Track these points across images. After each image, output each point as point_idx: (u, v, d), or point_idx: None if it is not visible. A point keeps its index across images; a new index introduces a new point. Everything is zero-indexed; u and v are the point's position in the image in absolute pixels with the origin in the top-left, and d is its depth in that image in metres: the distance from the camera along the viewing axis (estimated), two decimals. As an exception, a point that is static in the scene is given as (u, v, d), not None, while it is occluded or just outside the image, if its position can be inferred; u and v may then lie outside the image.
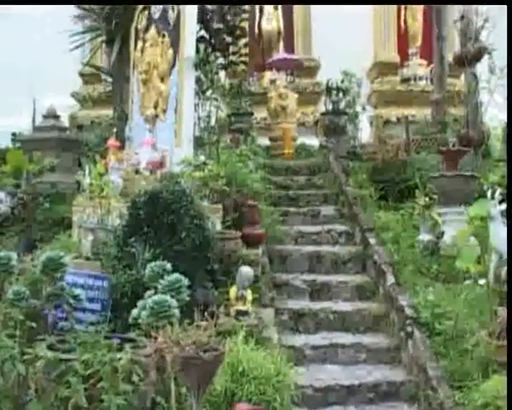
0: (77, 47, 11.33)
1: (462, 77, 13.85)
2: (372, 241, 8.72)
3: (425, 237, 8.33)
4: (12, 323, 4.90)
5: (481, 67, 12.66)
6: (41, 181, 10.65)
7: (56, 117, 12.81)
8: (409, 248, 8.49)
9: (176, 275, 4.92)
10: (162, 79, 8.40)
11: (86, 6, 11.28)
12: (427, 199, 8.63)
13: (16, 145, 14.26)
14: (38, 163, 11.11)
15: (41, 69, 16.83)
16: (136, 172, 7.99)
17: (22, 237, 9.24)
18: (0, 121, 15.92)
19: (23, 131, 14.84)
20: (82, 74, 17.08)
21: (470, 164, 10.06)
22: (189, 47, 8.11)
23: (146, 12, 8.97)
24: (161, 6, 8.58)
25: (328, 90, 14.60)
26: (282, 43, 17.86)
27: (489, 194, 6.49)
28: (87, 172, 7.89)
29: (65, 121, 13.87)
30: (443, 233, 8.21)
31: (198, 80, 9.36)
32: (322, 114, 14.94)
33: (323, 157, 12.82)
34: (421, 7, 17.83)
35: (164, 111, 8.33)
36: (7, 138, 15.59)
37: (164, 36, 8.45)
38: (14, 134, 15.63)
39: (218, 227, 7.23)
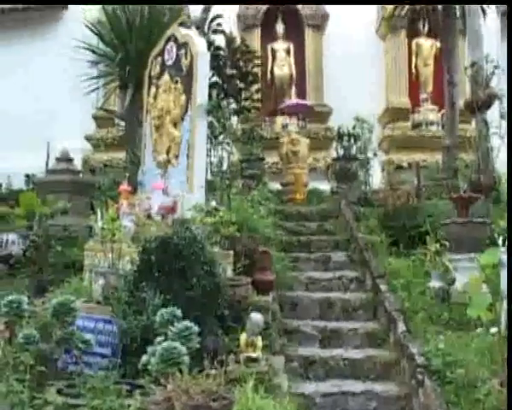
0: (91, 91, 11.45)
1: (473, 122, 13.88)
2: (383, 287, 8.69)
3: (436, 283, 8.27)
4: (22, 367, 4.91)
5: (492, 113, 12.73)
6: (53, 224, 10.67)
7: (70, 160, 12.92)
8: (420, 294, 8.44)
9: (186, 322, 4.93)
10: (175, 125, 8.46)
11: (101, 51, 11.42)
12: (438, 246, 8.60)
13: (29, 187, 14.37)
14: (51, 206, 11.15)
15: (55, 111, 16.95)
16: (148, 217, 8.01)
17: (34, 280, 9.25)
18: (14, 162, 16.01)
19: (36, 173, 14.94)
20: (96, 118, 17.24)
21: (481, 210, 10.02)
22: (201, 94, 8.19)
23: (159, 58, 9.08)
24: (175, 53, 8.69)
25: (340, 136, 14.69)
26: (294, 89, 18.01)
27: (500, 241, 6.49)
28: (99, 216, 7.91)
29: (78, 164, 13.97)
30: (454, 280, 8.17)
31: (210, 125, 9.44)
32: (334, 159, 15.00)
33: (335, 203, 12.85)
34: (433, 53, 17.98)
35: (176, 156, 8.39)
36: (20, 180, 15.72)
37: (177, 82, 8.54)
38: (27, 176, 15.76)
39: (229, 273, 7.24)
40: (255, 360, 6.05)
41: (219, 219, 7.39)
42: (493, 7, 14.98)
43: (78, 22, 12.12)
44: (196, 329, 4.89)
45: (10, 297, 5.49)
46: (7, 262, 9.93)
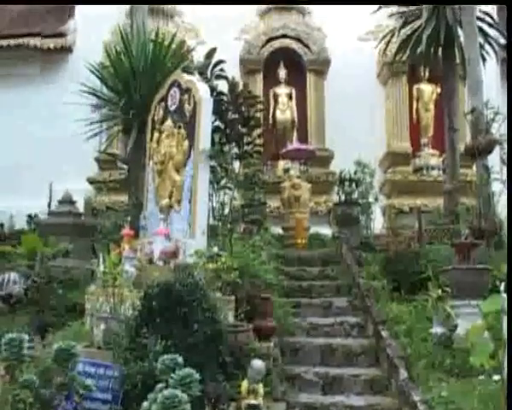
0: (94, 135, 11.51)
1: (474, 167, 13.94)
2: (384, 334, 8.67)
3: (438, 329, 8.23)
4: (21, 405, 4.91)
5: (493, 158, 12.80)
6: (55, 265, 10.70)
7: (72, 203, 12.99)
8: (422, 341, 8.40)
9: (187, 369, 4.91)
10: (177, 170, 8.50)
11: (104, 96, 11.51)
12: (440, 291, 8.58)
13: (32, 228, 14.41)
14: (53, 247, 11.19)
15: (58, 153, 17.05)
16: (150, 261, 8.04)
17: (34, 320, 9.24)
18: (16, 203, 16.08)
19: (39, 213, 15.00)
20: (98, 160, 17.32)
21: (483, 256, 10.02)
22: (204, 139, 8.24)
23: (162, 104, 9.15)
24: (178, 98, 8.76)
25: (342, 181, 14.76)
26: (295, 133, 18.12)
27: (502, 287, 6.48)
28: (101, 260, 7.93)
29: (80, 206, 14.03)
30: (456, 326, 8.13)
31: (213, 170, 9.49)
32: (335, 204, 15.07)
33: (336, 248, 12.88)
34: (433, 98, 18.13)
35: (178, 202, 8.41)
36: (22, 220, 15.76)
37: (180, 128, 8.60)
38: (29, 216, 15.82)
39: (231, 319, 7.23)
40: (257, 407, 6.03)
41: (221, 266, 7.40)
42: (493, 54, 15.10)
43: (82, 65, 12.21)
44: (197, 376, 4.87)
45: (11, 335, 5.50)
46: (8, 302, 9.92)
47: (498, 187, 12.40)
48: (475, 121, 12.72)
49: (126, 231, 8.77)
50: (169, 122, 8.83)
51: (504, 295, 6.33)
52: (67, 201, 12.98)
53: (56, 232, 11.86)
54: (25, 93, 18.62)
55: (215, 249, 7.89)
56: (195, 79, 9.26)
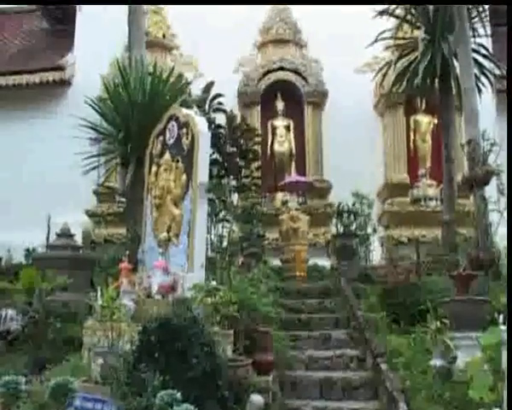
0: (93, 169, 11.55)
1: (472, 197, 13.96)
2: (383, 366, 8.64)
3: (437, 362, 8.20)
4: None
5: (490, 189, 12.83)
6: (53, 299, 10.65)
7: (70, 236, 12.97)
8: (421, 373, 8.36)
9: (186, 405, 4.91)
10: (175, 204, 8.51)
11: (102, 129, 11.56)
12: (438, 323, 8.57)
13: (29, 261, 14.39)
14: (51, 281, 11.14)
15: (56, 186, 17.10)
16: (148, 295, 8.02)
17: (32, 357, 9.19)
18: (14, 236, 16.08)
19: (37, 246, 14.99)
20: (97, 193, 17.34)
21: (482, 287, 10.02)
22: (202, 173, 8.26)
23: (161, 138, 9.18)
24: (176, 132, 8.79)
25: (340, 213, 14.78)
26: (293, 165, 18.17)
27: (500, 319, 6.47)
28: (99, 294, 7.92)
29: (78, 238, 14.03)
30: (455, 358, 8.11)
31: (211, 203, 9.50)
32: (334, 236, 15.08)
33: (335, 280, 12.87)
34: (430, 129, 18.19)
35: (177, 235, 8.41)
36: (20, 253, 15.74)
37: (178, 161, 8.62)
38: (27, 250, 15.80)
39: (229, 353, 7.20)
40: (256, 442, 6.00)
41: (219, 299, 7.39)
42: (488, 85, 15.20)
43: (81, 98, 12.28)
44: (196, 411, 4.86)
45: (7, 378, 5.47)
46: (5, 338, 9.87)
47: (496, 217, 12.42)
48: (472, 153, 12.77)
49: (124, 264, 8.75)
50: (167, 156, 8.85)
51: (503, 328, 6.33)
52: (66, 234, 12.96)
53: (54, 266, 11.82)
54: (23, 126, 18.76)
55: (213, 283, 7.88)
56: (193, 112, 9.31)
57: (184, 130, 8.60)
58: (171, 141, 8.91)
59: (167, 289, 7.71)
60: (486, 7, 15.05)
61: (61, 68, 19.19)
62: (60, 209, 15.97)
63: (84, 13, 16.24)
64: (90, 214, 17.50)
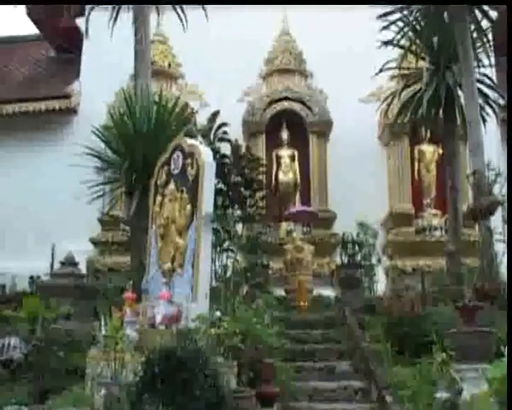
0: (98, 197, 11.56)
1: (477, 227, 13.95)
2: (388, 398, 8.58)
3: (443, 394, 8.12)
4: None
5: (495, 219, 12.81)
6: (56, 328, 10.62)
7: (74, 264, 12.97)
8: (426, 406, 8.30)
9: (189, 438, 4.86)
10: (180, 234, 8.50)
11: (107, 158, 11.58)
12: (444, 355, 8.51)
13: (33, 289, 14.37)
14: (54, 310, 11.13)
15: (61, 214, 17.14)
16: (152, 326, 7.99)
17: (34, 386, 9.15)
18: (18, 263, 16.08)
19: (41, 274, 14.98)
20: (101, 221, 17.35)
21: (487, 317, 9.95)
22: (207, 203, 8.25)
23: (166, 167, 9.20)
24: (181, 163, 8.81)
25: (344, 243, 14.76)
26: (298, 194, 18.18)
27: (506, 350, 6.44)
28: (102, 324, 7.90)
29: (82, 266, 14.03)
30: (461, 391, 8.04)
31: (215, 232, 9.49)
32: (338, 266, 15.05)
33: (339, 310, 12.81)
34: (435, 159, 18.19)
35: (181, 265, 8.39)
36: (24, 281, 15.73)
37: (182, 192, 8.62)
38: (31, 278, 15.78)
39: (233, 385, 7.17)
40: None
41: (223, 331, 7.36)
42: (493, 115, 15.24)
43: (86, 126, 12.34)
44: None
45: (9, 408, 5.44)
46: (8, 367, 9.84)
47: (501, 248, 12.39)
48: (477, 183, 12.76)
49: (128, 294, 8.73)
50: (172, 186, 8.86)
51: (510, 360, 6.28)
52: (70, 262, 12.97)
53: (58, 294, 11.82)
54: (29, 153, 18.83)
55: (217, 314, 7.85)
56: (198, 142, 9.33)
57: (189, 160, 8.61)
58: (176, 171, 8.92)
59: (171, 319, 7.68)
60: (490, 37, 15.12)
61: (66, 96, 19.29)
62: (64, 237, 16.04)
63: (90, 41, 16.32)
64: (95, 242, 17.50)
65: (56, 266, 14.09)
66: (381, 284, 15.43)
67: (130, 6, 14.38)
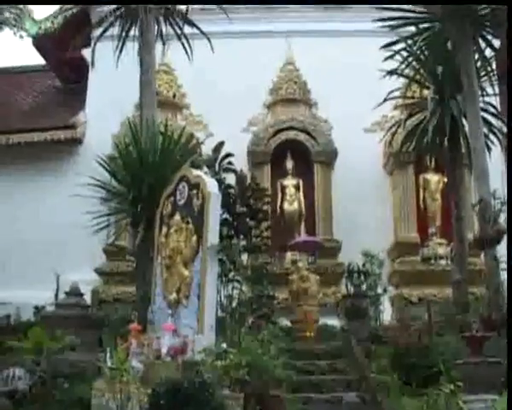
0: (103, 228, 11.55)
1: (483, 255, 13.91)
2: (396, 430, 8.51)
3: (451, 426, 8.08)
4: None
5: (501, 247, 12.76)
6: (61, 359, 10.59)
7: (79, 295, 12.96)
8: (434, 438, 8.24)
9: None
10: (185, 265, 8.48)
11: (113, 188, 11.59)
12: (452, 386, 8.44)
13: (38, 319, 14.34)
14: (59, 341, 11.09)
15: (66, 243, 17.16)
16: (158, 357, 7.95)
17: (39, 418, 9.12)
18: (23, 293, 16.07)
19: (46, 304, 14.98)
20: (106, 251, 17.34)
21: (494, 347, 9.90)
22: (212, 235, 8.23)
23: (171, 198, 9.21)
24: (186, 194, 8.81)
25: (350, 273, 14.73)
26: (303, 224, 18.16)
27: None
28: (108, 355, 7.88)
29: (87, 296, 14.01)
30: (470, 422, 7.98)
31: (221, 263, 9.45)
32: (344, 296, 15.00)
33: (345, 340, 12.75)
34: (440, 187, 18.18)
35: (186, 297, 8.36)
36: (29, 310, 15.70)
37: (188, 223, 8.61)
38: (36, 308, 15.76)
39: (240, 417, 7.12)
40: None
41: (229, 363, 7.32)
42: (497, 143, 15.28)
43: (92, 157, 12.39)
44: None
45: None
46: (12, 398, 9.78)
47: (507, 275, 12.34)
48: (483, 212, 12.75)
49: (134, 325, 8.71)
50: (177, 217, 8.86)
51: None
52: (75, 292, 12.97)
53: (63, 325, 11.79)
54: (34, 184, 18.88)
55: (223, 345, 7.81)
56: (204, 173, 9.34)
57: (195, 191, 8.62)
58: (182, 202, 8.93)
59: (177, 351, 7.65)
60: (494, 66, 15.19)
61: (72, 127, 19.38)
62: (69, 267, 16.05)
63: (95, 72, 16.44)
64: (100, 273, 17.48)
65: (61, 296, 14.09)
66: (387, 314, 15.37)
67: (136, 36, 14.49)
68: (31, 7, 19.88)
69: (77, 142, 19.48)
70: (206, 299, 8.02)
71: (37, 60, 22.59)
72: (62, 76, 22.25)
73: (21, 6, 19.26)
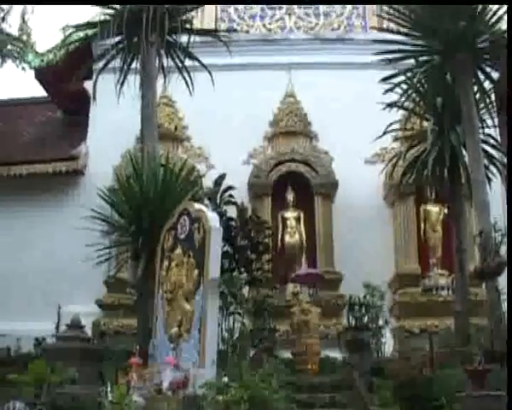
0: (104, 260, 11.57)
1: (484, 286, 13.89)
2: None
3: (454, 460, 8.04)
4: None
5: (503, 279, 12.75)
6: (62, 393, 10.53)
7: (80, 327, 12.91)
8: None
9: None
10: (187, 299, 8.49)
11: (115, 221, 11.63)
12: (454, 420, 8.42)
13: (39, 351, 14.29)
14: (60, 374, 11.04)
15: (67, 275, 17.15)
16: (159, 391, 7.92)
17: (37, 453, 9.05)
18: (23, 325, 16.03)
19: (46, 336, 14.93)
20: (107, 283, 17.31)
21: (497, 379, 9.85)
22: (214, 268, 8.25)
23: (172, 232, 9.23)
24: (188, 227, 8.84)
25: (351, 305, 14.69)
26: (304, 256, 18.11)
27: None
28: (109, 389, 7.86)
29: (88, 327, 13.97)
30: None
31: (222, 295, 9.45)
32: (345, 329, 14.95)
33: (347, 373, 12.69)
34: (441, 218, 18.20)
35: (188, 331, 8.37)
36: (30, 342, 15.64)
37: (189, 256, 8.63)
38: (36, 339, 15.71)
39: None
40: None
41: (231, 398, 7.29)
42: (498, 174, 15.32)
43: (93, 189, 12.44)
44: None
45: None
46: (11, 433, 9.73)
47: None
48: (484, 244, 12.75)
49: (135, 359, 8.70)
50: (179, 251, 8.88)
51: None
52: (76, 325, 12.91)
53: (64, 358, 11.72)
54: (35, 215, 18.87)
55: (225, 380, 7.79)
56: (205, 207, 9.37)
57: (196, 225, 8.64)
58: (183, 236, 8.95)
59: (178, 385, 7.63)
60: (493, 98, 15.26)
61: (74, 158, 19.40)
62: (70, 299, 16.03)
63: (97, 104, 16.51)
64: (101, 305, 17.44)
65: (62, 328, 14.04)
66: (388, 346, 15.29)
67: (138, 69, 14.58)
68: (33, 39, 20.09)
69: (78, 173, 19.49)
70: (207, 333, 8.02)
71: (38, 91, 22.70)
72: (64, 108, 22.35)
73: (24, 39, 19.43)
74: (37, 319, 15.89)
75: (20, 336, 15.88)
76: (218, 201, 11.73)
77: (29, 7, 17.78)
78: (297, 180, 18.54)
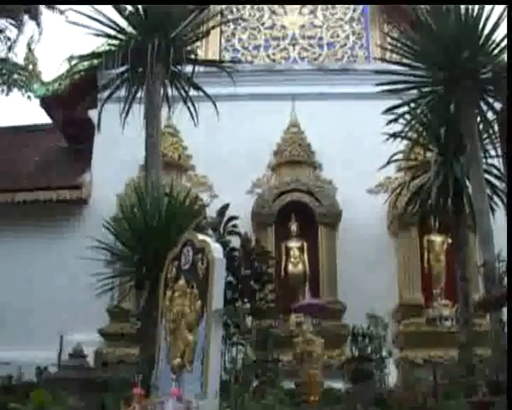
0: (107, 290, 11.56)
1: (488, 317, 13.86)
2: None
3: None
4: None
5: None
6: (64, 423, 10.52)
7: (82, 356, 12.90)
8: None
9: None
10: (190, 330, 8.44)
11: (118, 251, 11.61)
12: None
13: (40, 380, 14.26)
14: (62, 403, 11.02)
15: (69, 304, 17.13)
16: (162, 424, 7.89)
17: None
18: (25, 354, 16.00)
19: (48, 364, 14.89)
20: (110, 312, 17.29)
21: (502, 410, 9.81)
22: (217, 299, 8.20)
23: (176, 262, 9.20)
24: (191, 258, 8.81)
25: (354, 336, 14.65)
26: (307, 285, 18.09)
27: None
28: (111, 421, 7.83)
29: (90, 356, 13.94)
30: None
31: (225, 326, 9.42)
32: (349, 359, 14.89)
33: (350, 404, 12.61)
34: (444, 248, 18.19)
35: (190, 362, 8.31)
36: (31, 371, 15.59)
37: (193, 287, 8.59)
38: (38, 368, 15.66)
39: None
40: None
41: (233, 429, 7.28)
42: (501, 204, 15.33)
43: (97, 217, 12.46)
44: None
45: None
46: None
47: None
48: (487, 274, 12.75)
49: (137, 390, 8.64)
50: (182, 281, 8.84)
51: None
52: (78, 354, 12.90)
53: (66, 387, 11.73)
54: (38, 243, 18.96)
55: (228, 411, 7.77)
56: (208, 237, 9.35)
57: (200, 255, 8.60)
58: (187, 266, 8.91)
59: (180, 417, 7.59)
60: (496, 129, 15.31)
61: (78, 187, 19.50)
62: (73, 327, 16.02)
63: (101, 133, 16.60)
64: (103, 334, 17.40)
65: (64, 356, 14.01)
66: (392, 376, 15.22)
67: (142, 99, 14.68)
68: (39, 69, 20.26)
69: (82, 202, 19.58)
70: (210, 364, 7.96)
71: (43, 119, 22.85)
72: (68, 136, 22.45)
73: (30, 68, 19.59)
74: (39, 347, 15.88)
75: (22, 365, 15.83)
76: (221, 231, 11.75)
77: (35, 36, 17.91)
78: (301, 210, 18.56)
